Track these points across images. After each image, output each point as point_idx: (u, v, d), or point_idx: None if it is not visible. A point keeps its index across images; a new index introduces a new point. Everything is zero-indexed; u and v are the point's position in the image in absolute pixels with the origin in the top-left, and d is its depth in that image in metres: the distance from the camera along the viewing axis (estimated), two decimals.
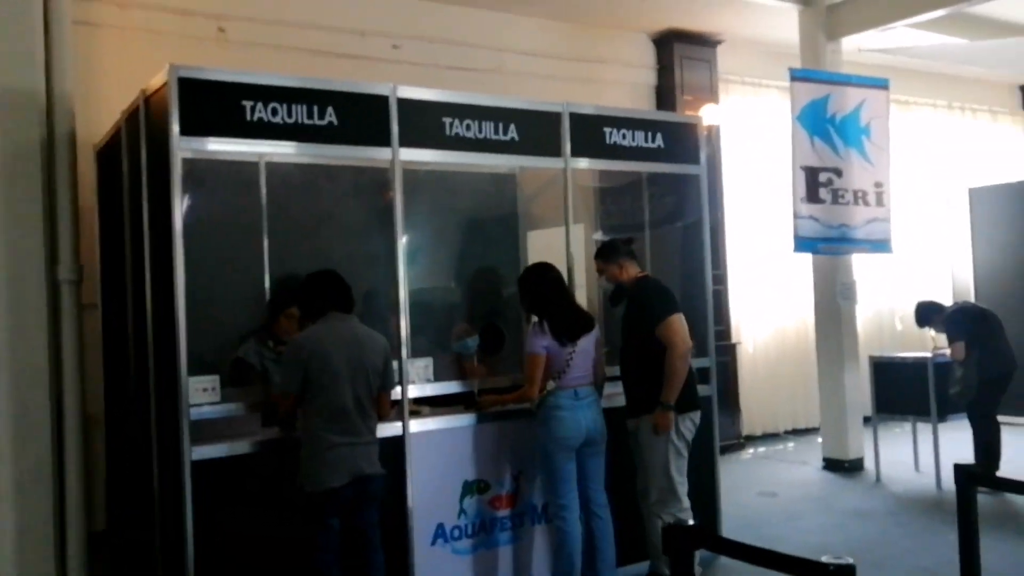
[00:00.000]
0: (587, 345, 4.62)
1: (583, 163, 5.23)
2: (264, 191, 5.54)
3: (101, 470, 5.63)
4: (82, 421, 4.77)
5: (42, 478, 4.64)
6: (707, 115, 8.44)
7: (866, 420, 7.77)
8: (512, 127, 4.94)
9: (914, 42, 9.02)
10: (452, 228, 6.36)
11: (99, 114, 5.39)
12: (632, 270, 4.89)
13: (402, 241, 4.60)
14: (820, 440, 8.12)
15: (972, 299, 9.46)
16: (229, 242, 5.38)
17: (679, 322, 4.66)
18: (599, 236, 6.54)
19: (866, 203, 7.53)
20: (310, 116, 4.33)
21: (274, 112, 4.24)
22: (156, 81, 4.20)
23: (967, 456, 6.84)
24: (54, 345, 4.68)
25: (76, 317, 4.71)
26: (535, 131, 5.04)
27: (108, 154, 5.27)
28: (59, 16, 4.81)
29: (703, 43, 8.85)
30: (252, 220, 5.52)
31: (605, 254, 4.94)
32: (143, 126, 4.46)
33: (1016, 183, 9.90)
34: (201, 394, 4.02)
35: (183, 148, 4.00)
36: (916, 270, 10.56)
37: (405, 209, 4.60)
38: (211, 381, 4.09)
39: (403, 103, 4.58)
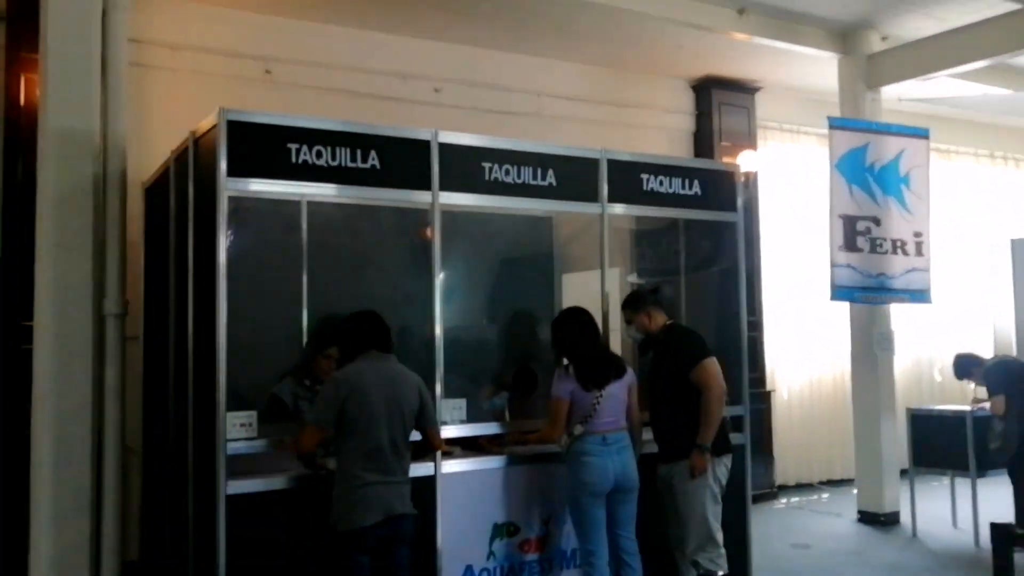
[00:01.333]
0: (618, 391, 4.62)
1: (620, 209, 5.28)
2: (305, 230, 5.66)
3: (136, 500, 5.71)
4: (121, 452, 4.85)
5: (80, 506, 4.72)
6: (745, 161, 8.46)
7: (903, 473, 7.65)
8: (550, 172, 5.01)
9: (955, 92, 9.00)
10: (489, 269, 6.43)
11: (148, 152, 5.54)
12: (660, 318, 4.91)
13: (439, 281, 4.66)
14: (855, 492, 8.00)
15: (1014, 352, 9.31)
16: (270, 280, 5.49)
17: (714, 365, 4.69)
18: (634, 279, 6.57)
19: (905, 252, 7.49)
20: (353, 159, 4.43)
21: (319, 155, 4.34)
22: (206, 123, 4.33)
23: (1007, 514, 6.69)
24: (97, 377, 4.78)
25: (120, 350, 4.82)
26: (573, 176, 5.10)
27: (156, 192, 5.42)
28: (116, 59, 4.98)
29: (742, 90, 8.90)
30: (292, 258, 5.63)
31: (633, 304, 4.98)
32: (192, 166, 4.59)
33: None
34: (238, 429, 4.08)
35: (230, 188, 4.10)
36: (957, 321, 10.42)
37: (443, 250, 4.66)
38: (248, 417, 4.15)
39: (444, 148, 4.67)
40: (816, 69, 8.29)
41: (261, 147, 4.22)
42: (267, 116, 4.31)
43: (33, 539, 4.74)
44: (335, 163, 4.38)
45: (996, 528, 3.30)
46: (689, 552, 4.65)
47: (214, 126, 4.15)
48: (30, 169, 5.47)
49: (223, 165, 4.08)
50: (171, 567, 4.76)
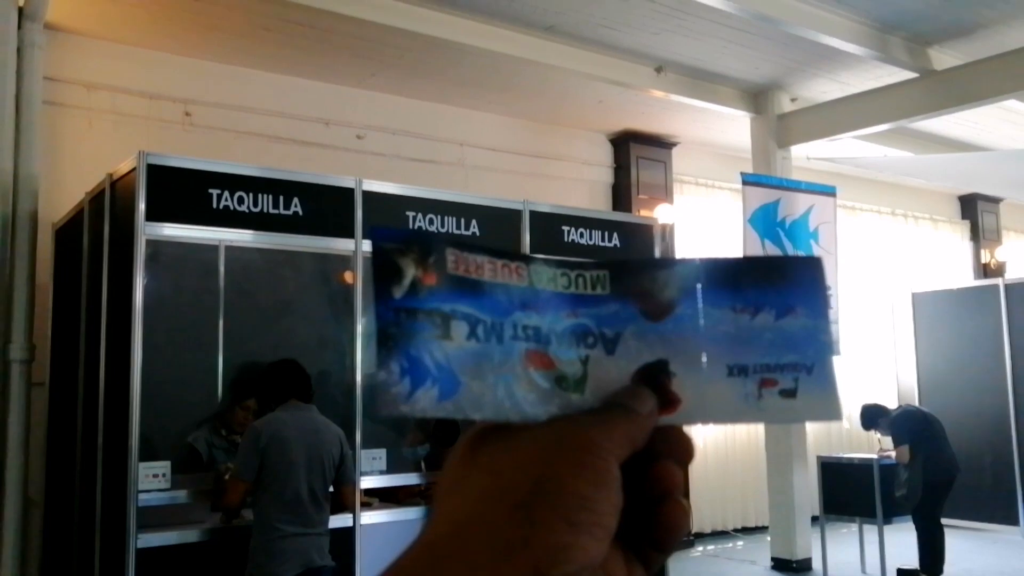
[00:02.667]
0: None
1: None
2: (222, 275, 5.55)
3: (37, 555, 5.45)
4: (24, 503, 4.64)
5: None
6: (662, 214, 8.68)
7: (814, 520, 7.83)
8: (474, 222, 5.06)
9: (860, 152, 9.44)
10: None
11: (60, 193, 5.40)
12: None
13: (361, 328, 4.64)
14: (769, 539, 8.15)
15: (916, 402, 9.68)
16: (185, 326, 5.35)
17: None
18: None
19: None
20: (275, 206, 4.41)
21: (240, 201, 4.31)
22: (124, 165, 4.26)
23: (913, 559, 6.91)
24: (0, 424, 4.59)
25: (24, 397, 4.64)
26: (496, 227, 5.16)
27: (68, 233, 5.27)
28: (31, 97, 4.87)
29: (659, 144, 9.16)
30: (208, 303, 5.52)
31: None
32: (108, 208, 4.49)
33: (956, 289, 10.26)
34: (151, 480, 3.96)
35: (148, 232, 4.03)
36: (862, 372, 10.80)
37: (365, 297, 4.65)
38: (162, 467, 4.05)
39: (368, 195, 4.69)
40: (730, 126, 8.60)
41: (181, 191, 4.17)
42: (188, 161, 4.27)
43: None
44: (256, 209, 4.35)
45: (903, 574, 3.41)
46: None
47: (133, 168, 4.09)
48: None
49: (142, 207, 4.02)
50: None
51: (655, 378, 0.53)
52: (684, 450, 0.55)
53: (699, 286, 0.55)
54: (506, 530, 0.46)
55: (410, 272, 0.50)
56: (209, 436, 4.78)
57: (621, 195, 9.02)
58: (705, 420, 0.56)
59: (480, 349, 0.50)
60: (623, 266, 0.55)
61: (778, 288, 0.55)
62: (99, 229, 4.56)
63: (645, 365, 0.54)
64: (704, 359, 0.54)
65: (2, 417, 4.58)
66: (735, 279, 0.55)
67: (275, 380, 4.07)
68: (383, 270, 0.49)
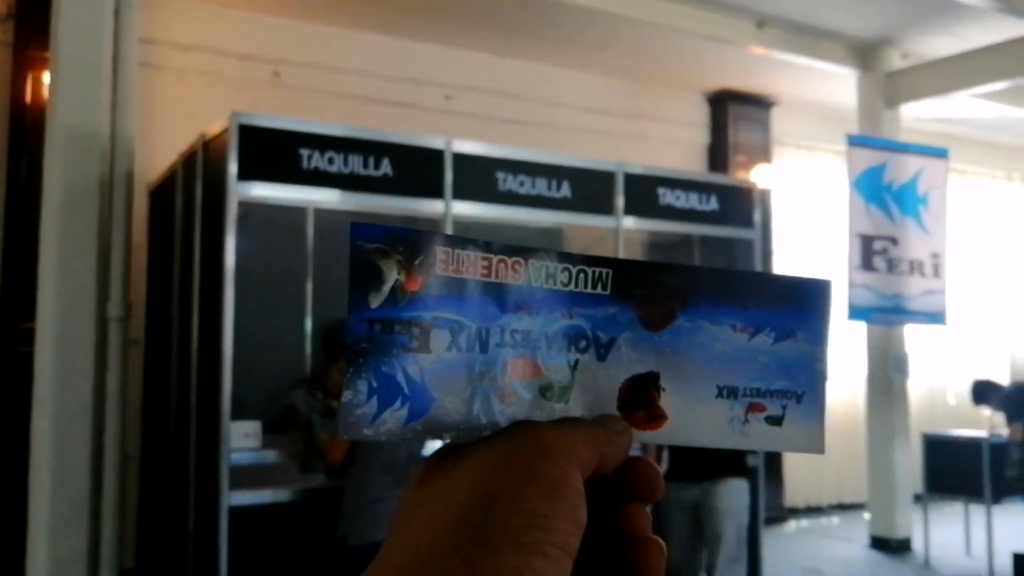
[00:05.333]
0: None
1: (634, 222, 5.17)
2: (311, 237, 5.57)
3: (134, 507, 5.61)
4: (121, 458, 4.74)
5: (79, 513, 4.61)
6: (760, 177, 8.36)
7: (916, 498, 7.51)
8: (565, 184, 4.91)
9: (975, 112, 8.90)
10: None
11: (155, 154, 5.45)
12: None
13: None
14: (867, 516, 7.85)
15: None
16: (275, 286, 5.40)
17: None
18: None
19: (922, 274, 7.37)
20: (365, 166, 4.34)
21: (330, 161, 4.26)
22: (216, 126, 4.25)
23: (1022, 542, 6.55)
24: (98, 381, 4.68)
25: (122, 354, 4.72)
26: (588, 189, 5.00)
27: (162, 194, 5.33)
28: (126, 59, 4.89)
29: (758, 104, 8.80)
30: (298, 265, 5.54)
31: None
32: (200, 168, 4.50)
33: None
34: (243, 439, 3.99)
35: (239, 192, 4.02)
36: (972, 345, 10.28)
37: None
38: (253, 427, 4.07)
39: (457, 157, 4.58)
40: (834, 85, 8.19)
41: (272, 151, 4.14)
42: (279, 120, 4.24)
43: (31, 546, 4.64)
44: (347, 170, 4.29)
45: (1020, 559, 3.17)
46: (718, 572, 4.55)
47: (225, 129, 4.07)
48: (34, 168, 5.39)
49: (233, 169, 4.00)
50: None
51: (644, 390, 0.52)
52: (652, 488, 0.51)
53: (701, 299, 0.53)
54: (451, 557, 0.42)
55: (391, 277, 0.46)
56: (307, 397, 4.81)
57: (717, 157, 8.72)
58: (688, 440, 0.53)
59: (460, 359, 0.48)
60: (628, 266, 0.53)
61: (782, 310, 0.54)
62: (191, 190, 4.59)
63: (635, 376, 0.52)
64: (696, 377, 0.53)
65: (100, 373, 4.66)
66: (739, 295, 0.54)
67: None
68: (360, 275, 0.46)
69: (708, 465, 4.64)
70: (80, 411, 4.63)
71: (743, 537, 4.62)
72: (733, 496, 4.56)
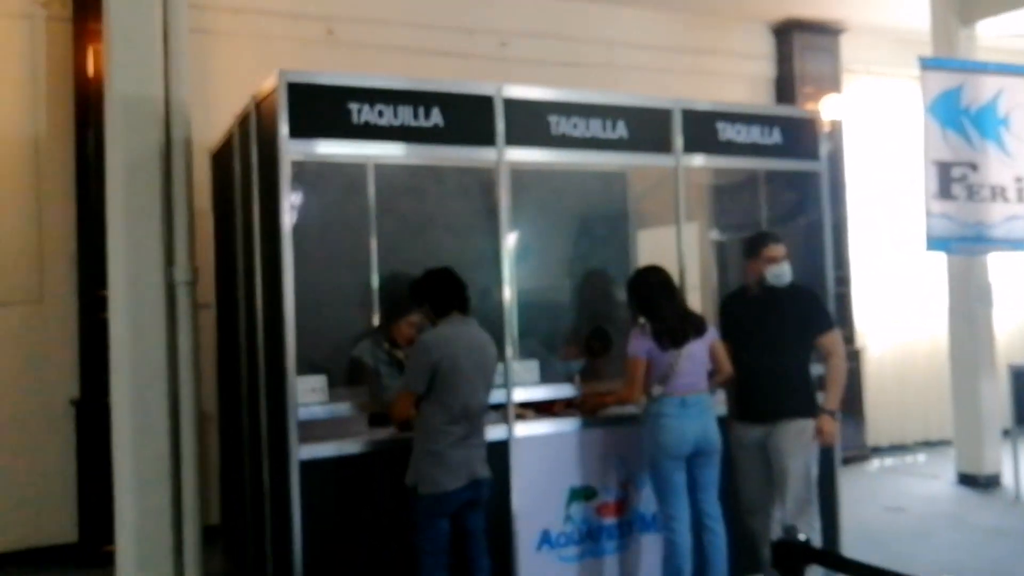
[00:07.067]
0: (697, 350, 4.42)
1: (695, 160, 5.04)
2: (372, 192, 5.58)
3: (215, 466, 5.78)
4: (197, 418, 4.87)
5: (160, 472, 4.77)
6: (830, 107, 8.06)
7: (1005, 433, 7.26)
8: (621, 124, 4.80)
9: None
10: (561, 228, 6.26)
11: (214, 119, 5.51)
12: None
13: (508, 241, 4.53)
14: (954, 453, 7.63)
15: None
16: (337, 243, 5.45)
17: (839, 333, 4.76)
18: (716, 235, 6.33)
19: (1005, 199, 7.03)
20: (415, 117, 4.31)
21: (380, 114, 4.23)
22: (266, 86, 4.26)
23: None
24: (171, 344, 4.80)
25: (191, 317, 4.82)
26: (645, 128, 4.88)
27: (222, 158, 5.40)
28: (177, 25, 4.93)
29: (825, 32, 8.46)
30: (360, 221, 5.57)
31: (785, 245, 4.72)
32: (254, 130, 4.53)
33: None
34: (309, 394, 4.05)
35: (292, 151, 4.04)
36: None
37: (512, 209, 4.53)
38: (319, 381, 4.13)
39: (508, 102, 4.50)
40: (905, 6, 7.81)
41: (322, 108, 4.14)
42: (326, 76, 4.22)
43: (117, 504, 4.82)
44: (397, 122, 4.27)
45: None
46: (787, 516, 4.42)
47: (274, 89, 4.09)
48: (100, 141, 5.51)
49: (284, 128, 4.02)
50: (249, 531, 4.80)
51: None
52: None
53: None
54: None
55: None
56: (373, 349, 4.86)
57: (785, 89, 8.43)
58: None
59: None
60: None
61: None
62: (247, 151, 4.62)
63: None
64: None
65: (172, 337, 4.78)
66: None
67: (437, 292, 4.04)
68: None
69: (772, 405, 4.52)
70: (155, 374, 4.77)
71: (812, 477, 4.49)
72: (798, 436, 4.44)
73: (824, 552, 3.57)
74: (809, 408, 4.51)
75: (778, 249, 4.60)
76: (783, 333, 4.55)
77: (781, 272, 4.57)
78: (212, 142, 5.56)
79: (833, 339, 4.61)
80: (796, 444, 4.44)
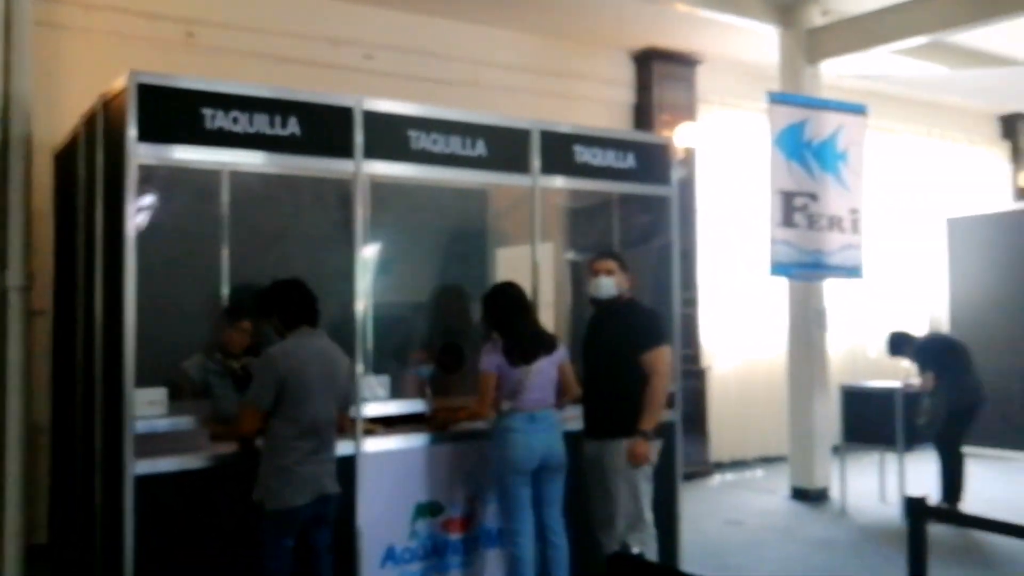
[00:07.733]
0: (547, 367, 4.52)
1: (553, 181, 5.16)
2: (226, 201, 5.45)
3: (45, 481, 5.48)
4: (25, 430, 4.63)
5: None
6: (684, 134, 8.39)
7: (835, 449, 7.72)
8: (480, 143, 4.86)
9: (894, 69, 9.02)
10: (420, 243, 6.27)
11: (60, 118, 5.26)
12: (628, 290, 4.77)
13: (363, 255, 4.51)
14: (788, 469, 8.05)
15: (947, 330, 9.46)
16: (187, 252, 5.28)
17: (669, 352, 4.65)
18: (571, 255, 6.48)
19: (841, 229, 7.49)
20: (272, 126, 4.24)
21: (235, 121, 4.15)
22: (115, 86, 4.11)
23: (932, 487, 6.79)
24: (0, 352, 4.55)
25: (23, 324, 4.59)
26: (504, 147, 4.96)
27: (66, 158, 5.16)
28: (20, 17, 4.70)
29: (683, 62, 8.81)
30: (212, 230, 5.43)
31: (623, 262, 4.77)
32: (101, 131, 4.37)
33: (993, 214, 9.92)
34: (147, 407, 3.91)
35: (140, 154, 3.91)
36: (893, 299, 10.53)
37: (371, 222, 4.52)
38: (158, 394, 4.00)
39: (368, 115, 4.50)
40: (758, 43, 8.23)
41: (173, 112, 4.02)
42: (180, 79, 4.11)
43: None
44: (253, 130, 4.20)
45: (911, 502, 3.28)
46: (619, 533, 4.51)
47: (124, 89, 3.95)
48: None
49: (132, 130, 3.89)
50: (79, 551, 4.58)
51: None
52: None
53: None
54: None
55: None
56: (204, 361, 4.72)
57: (643, 116, 8.73)
58: None
59: None
60: None
61: None
62: (93, 153, 4.44)
63: None
64: None
65: (2, 344, 4.53)
66: None
67: (286, 304, 3.98)
68: None
69: (599, 422, 4.60)
70: None
71: (642, 494, 4.49)
72: (621, 456, 4.44)
73: (655, 565, 3.71)
74: (631, 428, 4.46)
75: (605, 263, 4.67)
76: (610, 350, 4.59)
77: (600, 284, 4.62)
78: (58, 141, 5.31)
79: (656, 357, 4.48)
80: (620, 462, 4.46)
